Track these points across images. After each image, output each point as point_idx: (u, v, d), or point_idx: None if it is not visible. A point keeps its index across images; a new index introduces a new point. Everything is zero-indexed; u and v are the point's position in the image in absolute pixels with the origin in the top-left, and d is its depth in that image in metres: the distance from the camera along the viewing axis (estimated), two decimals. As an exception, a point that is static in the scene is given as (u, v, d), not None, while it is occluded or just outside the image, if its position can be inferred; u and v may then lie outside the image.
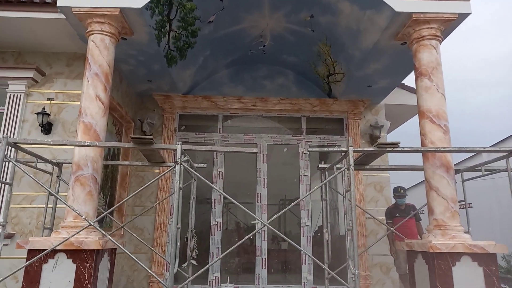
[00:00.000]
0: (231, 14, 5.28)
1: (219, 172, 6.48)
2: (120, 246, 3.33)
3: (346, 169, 3.51)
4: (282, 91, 6.86)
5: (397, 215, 5.43)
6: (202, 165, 4.53)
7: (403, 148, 3.51)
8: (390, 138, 9.47)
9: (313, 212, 6.46)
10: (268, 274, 6.20)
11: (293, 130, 6.88)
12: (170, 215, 6.28)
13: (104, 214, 3.65)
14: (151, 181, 3.52)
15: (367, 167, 4.43)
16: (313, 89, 6.91)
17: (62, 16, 4.22)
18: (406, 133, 9.08)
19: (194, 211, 4.50)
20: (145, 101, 6.66)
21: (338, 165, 4.23)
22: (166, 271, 5.98)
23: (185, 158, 3.41)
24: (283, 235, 3.45)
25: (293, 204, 3.52)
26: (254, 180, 6.52)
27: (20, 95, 4.74)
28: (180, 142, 3.33)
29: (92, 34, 4.04)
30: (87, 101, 3.86)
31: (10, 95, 4.74)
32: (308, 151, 3.60)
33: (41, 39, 4.79)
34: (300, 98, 6.72)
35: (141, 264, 3.31)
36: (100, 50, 3.99)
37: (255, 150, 3.52)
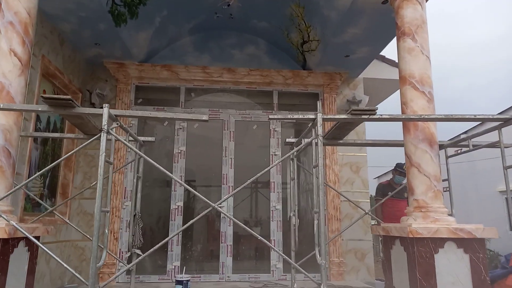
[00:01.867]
0: (188, -35, 4.54)
1: (181, 150, 5.82)
2: (28, 235, 2.65)
3: (314, 141, 2.92)
4: (253, 61, 6.20)
5: (389, 193, 4.92)
6: (149, 138, 3.86)
7: (381, 115, 2.94)
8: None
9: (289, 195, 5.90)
10: (235, 262, 5.65)
11: (264, 105, 6.25)
12: (124, 198, 5.61)
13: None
14: (67, 155, 2.83)
15: (341, 141, 3.86)
16: (286, 60, 6.27)
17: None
18: (387, 111, 8.61)
19: (139, 192, 3.84)
20: (97, 70, 5.87)
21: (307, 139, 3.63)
22: (119, 260, 5.34)
23: (115, 125, 2.74)
24: (235, 219, 2.86)
25: (246, 184, 2.91)
26: (220, 160, 5.89)
27: None
28: (107, 105, 2.65)
29: (6, -27, 3.25)
30: (-2, 56, 3.10)
31: None
32: (269, 119, 2.96)
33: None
34: (271, 69, 6.07)
35: (57, 258, 2.65)
36: (16, -6, 3.21)
37: (204, 117, 2.88)
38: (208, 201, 2.78)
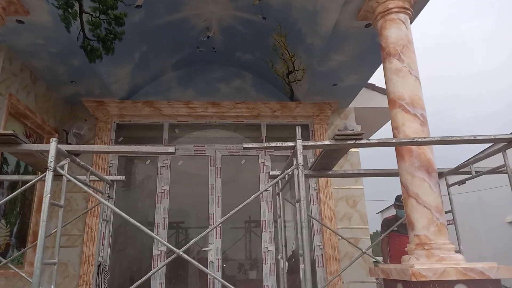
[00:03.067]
0: (165, -2, 4.42)
1: (164, 190, 5.44)
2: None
3: (294, 171, 2.57)
4: (239, 95, 5.97)
5: (395, 229, 4.49)
6: (118, 177, 3.50)
7: (369, 140, 2.61)
8: (362, 149, 8.68)
9: (287, 235, 5.46)
10: (225, 313, 5.08)
11: (252, 139, 5.96)
12: (102, 245, 5.14)
13: None
14: (14, 193, 2.46)
15: (330, 173, 3.50)
16: (273, 92, 6.05)
17: None
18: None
19: (108, 239, 3.43)
20: (76, 109, 5.63)
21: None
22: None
23: (65, 161, 2.40)
24: (201, 266, 2.45)
25: (220, 221, 2.53)
26: (207, 199, 5.50)
27: None
28: (55, 140, 2.33)
29: (-39, 7, 3.07)
30: None
31: None
32: (243, 148, 2.63)
33: None
34: (258, 101, 5.84)
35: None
36: (-31, 27, 3.01)
37: (171, 149, 2.55)
38: (172, 247, 2.38)
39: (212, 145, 5.72)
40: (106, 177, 3.42)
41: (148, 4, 4.39)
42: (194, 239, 2.45)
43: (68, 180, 2.47)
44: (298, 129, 2.59)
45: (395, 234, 5.03)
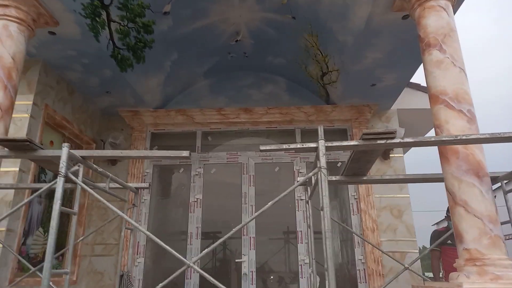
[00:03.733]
0: (191, 3, 4.38)
1: (197, 199, 5.35)
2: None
3: (318, 176, 2.31)
4: (272, 100, 5.78)
5: (449, 242, 4.12)
6: (143, 184, 3.44)
7: (402, 140, 2.28)
8: (409, 154, 8.07)
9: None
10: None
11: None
12: (137, 254, 5.15)
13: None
14: (21, 204, 2.44)
15: (365, 178, 3.17)
16: (307, 96, 5.79)
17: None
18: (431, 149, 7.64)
19: (131, 248, 3.36)
20: (113, 120, 5.76)
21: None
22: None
23: (76, 167, 2.35)
24: (209, 277, 2.25)
25: (229, 234, 2.33)
26: (240, 208, 5.33)
27: None
28: (66, 145, 2.29)
29: (-6, 21, 3.20)
30: (-24, 102, 2.94)
31: None
32: (260, 150, 2.42)
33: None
34: (292, 106, 5.61)
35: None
36: (1, 40, 3.12)
37: (185, 153, 2.42)
38: (182, 258, 2.22)
39: (245, 152, 5.56)
40: (130, 184, 3.36)
41: (176, 11, 4.38)
42: (204, 251, 2.27)
43: (93, 188, 2.41)
44: (320, 129, 2.35)
45: (448, 247, 4.52)
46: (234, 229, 2.38)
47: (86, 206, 5.16)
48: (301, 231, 5.19)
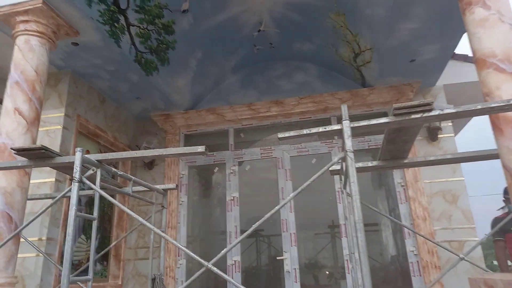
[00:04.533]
0: (209, -3, 4.25)
1: (234, 197, 5.23)
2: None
3: (341, 160, 2.06)
4: (304, 89, 5.51)
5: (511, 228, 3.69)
6: (170, 185, 3.35)
7: (443, 111, 1.95)
8: (464, 133, 7.38)
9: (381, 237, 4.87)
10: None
11: (322, 135, 5.40)
12: (178, 255, 5.14)
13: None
14: (39, 213, 2.41)
15: (406, 161, 2.83)
16: (341, 81, 5.44)
17: (-8, 26, 3.57)
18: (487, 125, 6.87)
19: (163, 250, 3.30)
20: (147, 125, 5.82)
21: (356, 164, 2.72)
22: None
23: (90, 171, 2.29)
24: (227, 277, 2.07)
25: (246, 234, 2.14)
26: (278, 204, 5.12)
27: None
28: (80, 149, 2.23)
29: (17, 36, 3.28)
30: (3, 117, 3.02)
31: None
32: (279, 138, 2.21)
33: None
34: (324, 93, 5.30)
35: None
36: (23, 54, 3.19)
37: (200, 149, 2.26)
38: (200, 259, 2.07)
39: (279, 146, 5.35)
40: (157, 186, 3.30)
41: (194, 7, 4.28)
42: (223, 251, 2.10)
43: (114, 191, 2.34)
44: (344, 108, 2.08)
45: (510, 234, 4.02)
46: (264, 218, 2.19)
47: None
48: (345, 224, 4.87)
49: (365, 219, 4.87)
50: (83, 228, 4.50)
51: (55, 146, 3.98)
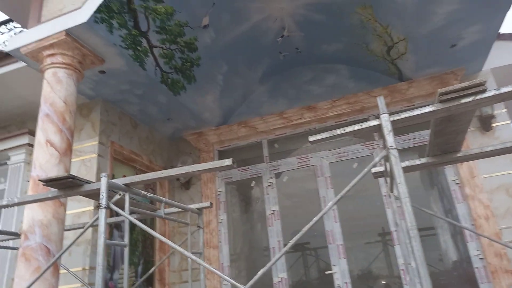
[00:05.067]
0: (228, 8, 4.18)
1: (274, 211, 5.02)
2: None
3: (385, 159, 1.81)
4: (336, 91, 5.25)
5: None
6: (204, 204, 3.22)
7: (499, 91, 1.66)
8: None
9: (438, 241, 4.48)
10: None
11: (361, 136, 5.10)
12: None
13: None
14: (78, 235, 2.34)
15: (460, 155, 2.50)
16: (376, 78, 5.12)
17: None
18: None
19: (204, 272, 3.14)
20: (181, 145, 5.80)
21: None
22: None
23: (117, 196, 2.20)
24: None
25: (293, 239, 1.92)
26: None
27: (20, 165, 4.31)
28: (105, 174, 2.16)
29: (45, 70, 3.36)
30: (36, 150, 3.05)
31: (11, 167, 4.34)
32: (310, 142, 2.00)
33: (29, 97, 4.40)
34: (359, 93, 5.01)
35: None
36: (51, 86, 3.24)
37: (227, 162, 2.11)
38: (235, 283, 1.88)
39: (316, 153, 5.10)
40: (192, 206, 3.18)
41: (214, 21, 4.22)
42: (259, 272, 1.90)
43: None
44: (381, 100, 1.84)
45: None
46: (302, 232, 1.98)
47: (167, 233, 5.19)
48: (396, 230, 4.49)
49: (418, 222, 4.44)
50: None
51: (92, 175, 4.02)
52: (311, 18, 4.55)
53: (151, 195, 2.55)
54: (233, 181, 5.43)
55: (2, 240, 3.62)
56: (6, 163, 4.48)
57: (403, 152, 4.85)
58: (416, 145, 4.78)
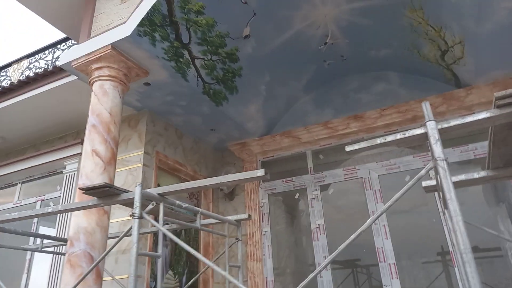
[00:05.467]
0: (270, 17, 4.13)
1: (319, 225, 4.81)
2: None
3: (432, 172, 1.60)
4: (386, 99, 4.95)
5: None
6: (242, 216, 3.13)
7: None
8: None
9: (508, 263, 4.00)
10: None
11: (414, 148, 4.75)
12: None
13: None
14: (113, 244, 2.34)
15: (528, 168, 2.18)
16: (430, 84, 4.76)
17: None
18: None
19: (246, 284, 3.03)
20: (226, 156, 5.82)
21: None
22: None
23: (150, 206, 2.18)
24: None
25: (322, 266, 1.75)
26: (370, 230, 4.55)
27: (74, 173, 4.55)
28: (140, 184, 2.16)
29: (93, 83, 3.53)
30: (83, 159, 3.19)
31: (66, 175, 4.60)
32: (346, 151, 1.84)
33: (82, 109, 4.65)
34: (410, 101, 4.68)
35: None
36: (98, 98, 3.39)
37: (259, 173, 2.01)
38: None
39: (364, 164, 4.82)
40: (229, 217, 3.11)
41: (256, 31, 4.19)
42: (301, 284, 1.75)
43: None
44: (426, 106, 1.65)
45: None
46: (339, 250, 1.81)
47: (211, 244, 5.17)
48: (457, 249, 4.06)
49: (483, 242, 3.97)
50: (170, 263, 4.52)
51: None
52: (356, 23, 4.35)
53: (187, 205, 2.52)
54: (276, 192, 5.31)
55: (53, 246, 3.81)
56: (62, 172, 4.78)
57: (463, 165, 4.43)
58: (477, 157, 4.34)
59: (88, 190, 2.30)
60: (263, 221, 5.16)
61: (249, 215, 3.15)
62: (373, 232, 4.49)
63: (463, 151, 4.39)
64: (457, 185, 2.44)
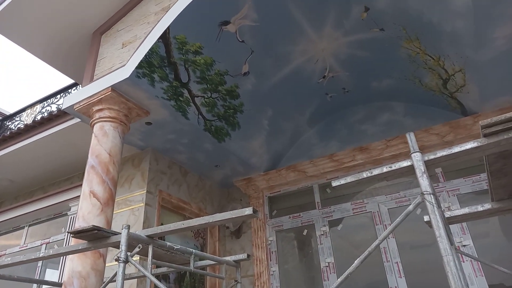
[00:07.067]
0: (268, 54, 4.20)
1: (328, 263, 4.59)
2: None
3: (420, 203, 1.51)
4: (391, 130, 4.86)
5: None
6: (240, 256, 3.00)
7: None
8: None
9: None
10: None
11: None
12: (275, 335, 4.57)
13: None
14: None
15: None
16: (436, 114, 4.66)
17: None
18: None
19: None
20: (232, 192, 5.74)
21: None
22: None
23: (136, 249, 2.11)
24: None
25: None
26: (382, 268, 4.32)
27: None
28: (126, 226, 2.11)
29: (94, 124, 3.59)
30: (81, 201, 3.18)
31: (70, 217, 4.60)
32: (333, 186, 1.77)
33: (87, 150, 4.72)
34: (417, 130, 4.57)
35: None
36: (98, 139, 3.43)
37: (248, 211, 1.94)
38: None
39: (373, 198, 4.66)
40: (227, 258, 3.00)
41: (254, 68, 4.25)
42: None
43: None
44: (410, 137, 1.58)
45: None
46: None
47: (217, 285, 4.99)
48: (476, 289, 3.79)
49: (510, 280, 3.63)
50: (173, 307, 4.35)
51: (139, 224, 4.07)
52: (356, 55, 4.37)
53: (179, 246, 2.44)
54: (284, 229, 5.15)
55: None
56: (66, 214, 4.78)
57: (477, 195, 4.22)
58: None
59: (77, 234, 2.26)
60: (270, 260, 4.98)
61: (248, 255, 3.03)
62: (385, 271, 4.25)
63: (475, 181, 4.20)
64: (461, 219, 2.30)
